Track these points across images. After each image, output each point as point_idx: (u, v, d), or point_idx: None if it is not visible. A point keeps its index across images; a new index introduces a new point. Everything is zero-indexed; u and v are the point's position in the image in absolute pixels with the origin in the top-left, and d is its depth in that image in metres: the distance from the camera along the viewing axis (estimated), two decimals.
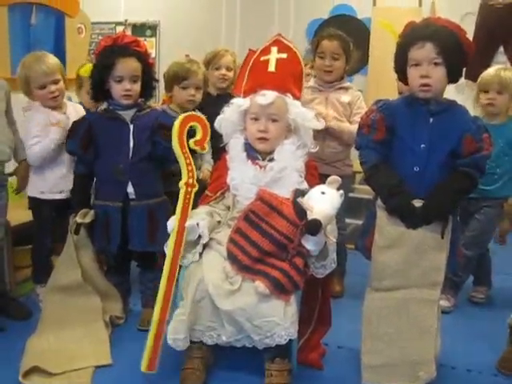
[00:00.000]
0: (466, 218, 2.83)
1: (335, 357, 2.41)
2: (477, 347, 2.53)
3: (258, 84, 2.26)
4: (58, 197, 2.73)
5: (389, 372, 2.10)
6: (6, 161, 2.65)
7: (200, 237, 2.14)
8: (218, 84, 3.19)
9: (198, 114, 2.22)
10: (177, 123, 2.11)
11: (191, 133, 2.17)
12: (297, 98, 2.28)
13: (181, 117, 2.13)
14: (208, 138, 2.19)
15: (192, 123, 2.15)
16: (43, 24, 3.79)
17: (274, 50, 2.29)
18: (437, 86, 2.10)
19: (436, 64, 2.07)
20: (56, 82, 2.67)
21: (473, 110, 2.71)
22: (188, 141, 2.15)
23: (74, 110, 2.81)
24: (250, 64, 2.33)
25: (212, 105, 2.90)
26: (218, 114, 2.33)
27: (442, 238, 2.09)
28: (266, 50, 2.31)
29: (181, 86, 2.91)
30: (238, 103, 2.27)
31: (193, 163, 2.17)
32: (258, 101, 2.20)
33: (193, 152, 2.20)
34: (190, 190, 2.16)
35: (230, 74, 3.25)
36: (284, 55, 2.28)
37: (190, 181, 2.16)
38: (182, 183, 2.15)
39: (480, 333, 2.65)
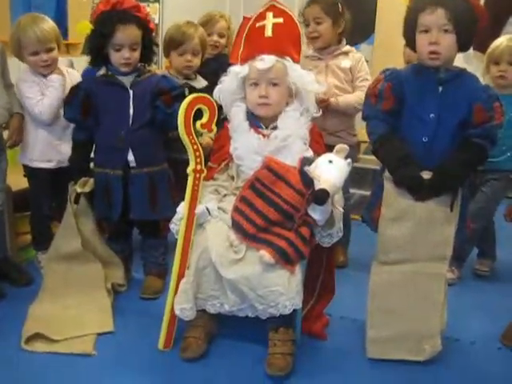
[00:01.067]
0: (471, 190, 2.79)
1: (338, 327, 2.40)
2: (481, 320, 2.51)
3: (255, 50, 2.20)
4: (46, 165, 2.68)
5: (394, 345, 2.10)
6: (3, 122, 2.61)
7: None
8: (209, 50, 3.12)
9: (204, 94, 2.14)
10: (182, 108, 2.04)
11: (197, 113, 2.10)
12: (296, 61, 2.23)
13: (186, 100, 2.05)
14: (215, 120, 2.13)
15: (198, 105, 2.08)
16: None
17: (270, 15, 2.22)
18: (446, 54, 2.04)
19: (446, 31, 2.01)
20: (49, 51, 2.58)
21: (482, 81, 2.65)
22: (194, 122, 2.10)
23: (69, 78, 2.71)
24: (246, 31, 2.27)
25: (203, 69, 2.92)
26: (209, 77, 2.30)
27: (451, 210, 2.06)
28: (262, 16, 2.24)
29: (177, 51, 2.84)
30: (236, 70, 2.22)
31: (200, 149, 2.12)
32: (257, 66, 2.15)
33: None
34: (198, 176, 2.12)
35: (222, 41, 3.21)
36: (280, 20, 2.22)
37: (198, 167, 2.12)
38: (189, 170, 2.11)
39: (484, 306, 2.64)
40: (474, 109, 2.04)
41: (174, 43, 2.84)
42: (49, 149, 2.67)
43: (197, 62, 2.87)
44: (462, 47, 2.09)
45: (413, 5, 2.10)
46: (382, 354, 2.12)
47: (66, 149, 2.65)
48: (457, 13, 1.99)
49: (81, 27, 2.85)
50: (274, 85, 2.17)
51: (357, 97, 2.84)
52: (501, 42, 2.78)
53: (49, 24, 2.61)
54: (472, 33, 2.08)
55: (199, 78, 2.92)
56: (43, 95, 2.60)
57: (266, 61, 2.14)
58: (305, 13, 2.92)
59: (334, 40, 2.94)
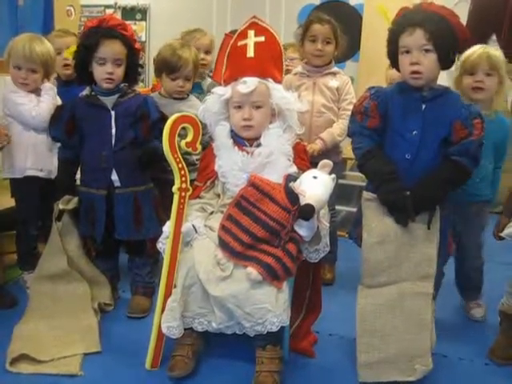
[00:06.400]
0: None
1: (326, 344, 2.40)
2: (468, 335, 2.52)
3: (238, 71, 2.22)
4: (38, 174, 2.67)
5: (385, 367, 2.08)
6: None
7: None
8: None
9: (189, 113, 2.16)
10: (166, 128, 2.05)
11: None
12: (278, 81, 2.25)
13: (170, 120, 2.06)
14: (200, 138, 2.15)
15: (183, 124, 2.09)
16: (31, 5, 3.73)
17: (251, 33, 2.24)
18: (427, 73, 2.07)
19: (426, 51, 2.04)
20: (31, 71, 2.61)
21: None
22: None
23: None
24: (228, 49, 2.29)
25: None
26: None
27: (429, 228, 2.07)
28: (243, 34, 2.26)
29: (170, 76, 2.79)
30: (220, 92, 2.24)
31: (185, 167, 2.13)
32: (240, 89, 2.17)
33: None
34: (183, 194, 2.13)
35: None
36: (262, 38, 2.23)
37: (183, 185, 2.13)
38: (175, 188, 2.12)
39: (471, 322, 2.64)
40: (453, 126, 2.07)
41: (169, 68, 2.77)
42: (40, 158, 2.67)
43: (188, 86, 2.83)
44: (445, 65, 2.13)
45: (394, 27, 2.13)
46: (373, 377, 2.09)
47: (55, 159, 2.66)
48: (436, 32, 2.02)
49: (69, 52, 2.82)
50: (257, 107, 2.19)
51: (339, 128, 2.88)
52: (475, 50, 2.46)
53: (44, 47, 2.64)
54: (453, 51, 2.11)
55: (191, 96, 2.90)
56: (38, 102, 2.62)
57: (248, 84, 2.16)
58: (313, 29, 2.92)
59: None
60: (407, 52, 2.07)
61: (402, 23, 2.08)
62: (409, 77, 2.09)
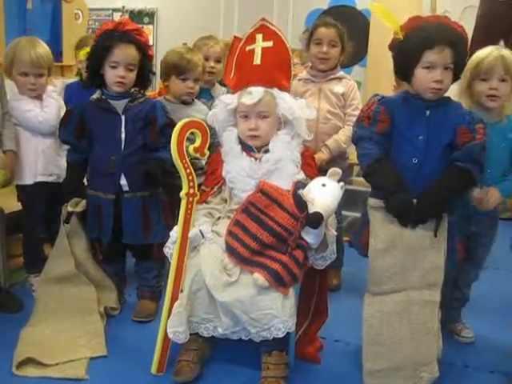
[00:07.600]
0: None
1: (332, 351, 2.39)
2: (474, 343, 2.51)
3: (244, 80, 2.23)
4: (47, 179, 2.70)
5: (391, 375, 2.08)
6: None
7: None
8: None
9: (197, 119, 2.16)
10: (175, 133, 2.05)
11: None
12: (285, 88, 2.25)
13: (179, 125, 2.06)
14: (208, 144, 2.15)
15: (191, 130, 2.09)
16: (39, 9, 3.75)
17: (259, 37, 2.24)
18: (446, 89, 2.11)
19: (449, 69, 2.07)
20: (38, 76, 2.63)
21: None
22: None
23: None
24: (237, 53, 2.29)
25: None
26: None
27: (435, 235, 2.07)
28: (251, 38, 2.26)
29: (180, 77, 2.80)
30: (226, 101, 2.25)
31: (193, 172, 2.13)
32: (245, 101, 2.17)
33: None
34: (191, 199, 2.13)
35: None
36: (269, 43, 2.23)
37: (191, 191, 2.13)
38: (182, 193, 2.12)
39: (476, 330, 2.63)
40: (457, 131, 2.08)
41: (178, 70, 2.78)
42: (49, 162, 2.70)
43: (197, 88, 2.85)
44: (454, 81, 2.16)
45: (417, 40, 2.06)
46: None
47: (63, 163, 2.67)
48: (459, 52, 2.06)
49: (84, 53, 2.83)
50: (263, 117, 2.19)
51: (345, 135, 2.86)
52: (488, 52, 2.27)
53: (45, 49, 2.66)
54: (463, 68, 2.17)
55: (197, 102, 2.91)
56: (42, 108, 2.65)
57: (253, 94, 2.16)
58: (318, 32, 2.92)
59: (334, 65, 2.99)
60: (429, 68, 2.07)
61: (429, 38, 2.04)
62: (429, 91, 2.09)
